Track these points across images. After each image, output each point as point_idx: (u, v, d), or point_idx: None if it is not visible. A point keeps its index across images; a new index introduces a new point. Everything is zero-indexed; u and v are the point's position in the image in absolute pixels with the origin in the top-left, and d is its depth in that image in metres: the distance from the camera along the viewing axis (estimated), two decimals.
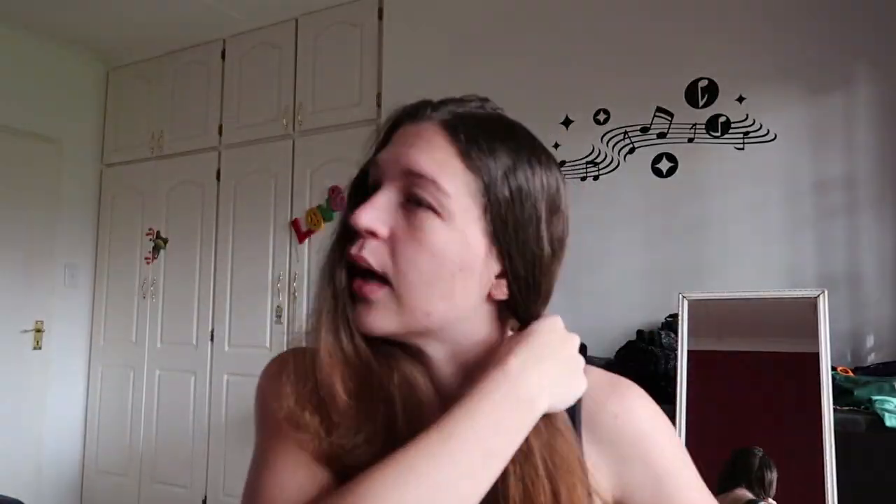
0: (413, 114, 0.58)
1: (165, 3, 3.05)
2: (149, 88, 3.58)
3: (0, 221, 3.21)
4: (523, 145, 0.57)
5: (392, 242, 0.54)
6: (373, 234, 0.54)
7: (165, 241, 3.43)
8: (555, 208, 0.57)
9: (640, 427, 0.61)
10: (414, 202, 0.54)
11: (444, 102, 0.58)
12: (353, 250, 0.54)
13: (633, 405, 0.62)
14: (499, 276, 0.57)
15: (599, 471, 0.59)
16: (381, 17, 2.88)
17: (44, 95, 3.42)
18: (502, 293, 0.57)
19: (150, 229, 3.48)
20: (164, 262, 3.41)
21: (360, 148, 0.63)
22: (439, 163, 0.54)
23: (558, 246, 0.58)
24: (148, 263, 3.46)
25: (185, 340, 3.28)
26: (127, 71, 3.69)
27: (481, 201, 0.54)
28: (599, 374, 0.64)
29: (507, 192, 0.54)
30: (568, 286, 2.32)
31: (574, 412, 0.60)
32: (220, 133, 3.28)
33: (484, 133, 0.55)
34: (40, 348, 3.36)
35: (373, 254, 0.54)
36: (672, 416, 1.67)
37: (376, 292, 0.54)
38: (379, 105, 2.82)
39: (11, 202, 3.25)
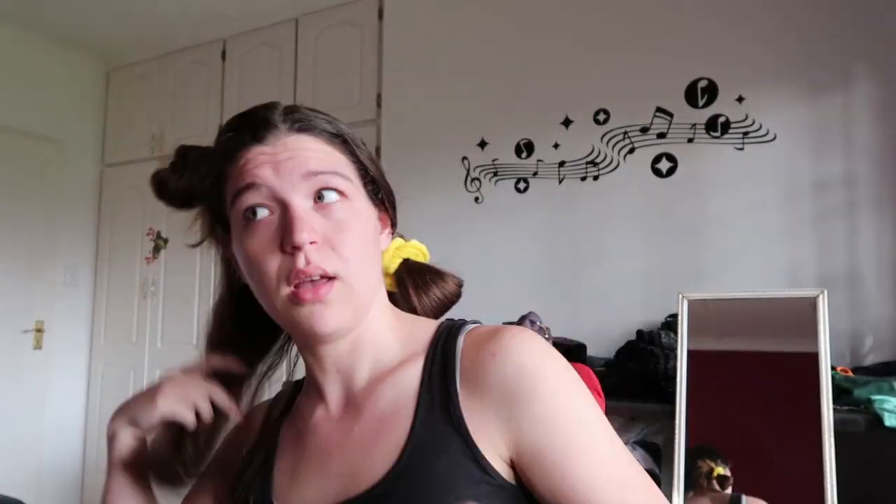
0: (256, 133, 0.60)
1: (165, 3, 3.05)
2: (149, 88, 3.58)
3: (0, 221, 3.21)
4: (341, 123, 0.65)
5: (327, 241, 0.58)
6: (311, 244, 0.57)
7: (165, 241, 3.43)
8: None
9: (522, 361, 0.55)
10: (323, 199, 0.59)
11: (271, 110, 0.61)
12: (300, 264, 0.56)
13: (512, 342, 0.57)
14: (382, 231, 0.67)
15: (487, 427, 0.55)
16: (381, 17, 2.88)
17: (44, 95, 3.42)
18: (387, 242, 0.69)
19: (150, 229, 3.48)
20: (165, 262, 3.42)
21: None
22: (328, 154, 0.61)
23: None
24: (148, 263, 3.46)
25: (185, 340, 3.28)
26: (127, 71, 3.70)
27: (359, 174, 0.63)
28: (484, 327, 0.62)
29: (367, 158, 0.64)
30: (568, 286, 2.34)
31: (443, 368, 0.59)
32: None
33: (326, 121, 0.63)
34: (41, 348, 3.36)
35: (321, 260, 0.57)
36: (672, 416, 1.68)
37: (331, 290, 0.57)
38: (379, 105, 2.82)
39: (12, 202, 3.25)
